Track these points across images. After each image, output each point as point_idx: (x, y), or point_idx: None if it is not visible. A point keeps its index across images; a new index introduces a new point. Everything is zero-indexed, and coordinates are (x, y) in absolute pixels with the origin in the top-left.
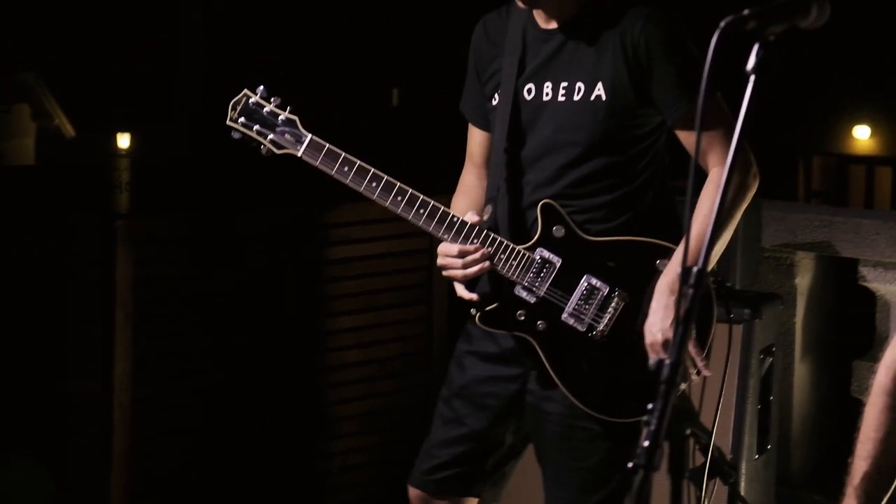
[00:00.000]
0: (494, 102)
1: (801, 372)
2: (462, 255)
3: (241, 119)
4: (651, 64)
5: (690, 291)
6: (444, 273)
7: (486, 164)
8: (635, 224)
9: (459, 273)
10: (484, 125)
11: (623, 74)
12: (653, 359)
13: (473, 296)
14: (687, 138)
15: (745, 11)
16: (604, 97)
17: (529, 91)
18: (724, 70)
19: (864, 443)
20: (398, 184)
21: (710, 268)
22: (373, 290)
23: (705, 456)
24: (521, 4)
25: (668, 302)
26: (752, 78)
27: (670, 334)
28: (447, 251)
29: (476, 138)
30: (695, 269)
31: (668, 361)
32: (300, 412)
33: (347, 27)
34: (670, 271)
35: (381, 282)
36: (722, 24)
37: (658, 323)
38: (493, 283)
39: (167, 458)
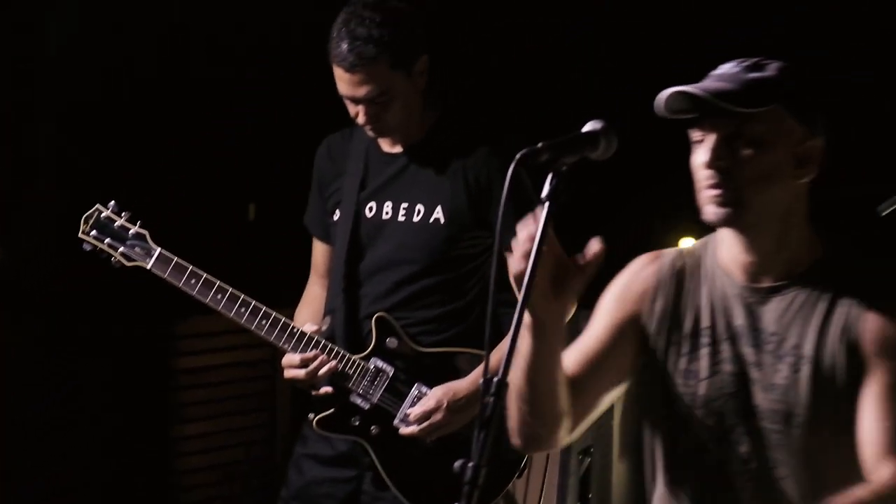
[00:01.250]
0: (336, 217)
1: (619, 470)
2: (304, 363)
3: (93, 232)
4: (491, 193)
5: (491, 400)
6: (296, 383)
7: (329, 275)
8: (464, 336)
9: (305, 382)
10: (326, 238)
11: (462, 199)
12: (458, 463)
13: (328, 389)
14: None
15: (540, 144)
16: (442, 220)
17: (371, 209)
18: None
19: None
20: (242, 296)
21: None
22: (219, 398)
23: None
24: (370, 134)
25: (439, 401)
26: (546, 205)
27: (422, 432)
28: (290, 361)
29: (319, 250)
30: (496, 379)
31: (471, 464)
32: None
33: (205, 143)
34: (470, 378)
35: (227, 390)
36: (518, 155)
37: (418, 414)
38: (329, 391)
39: None
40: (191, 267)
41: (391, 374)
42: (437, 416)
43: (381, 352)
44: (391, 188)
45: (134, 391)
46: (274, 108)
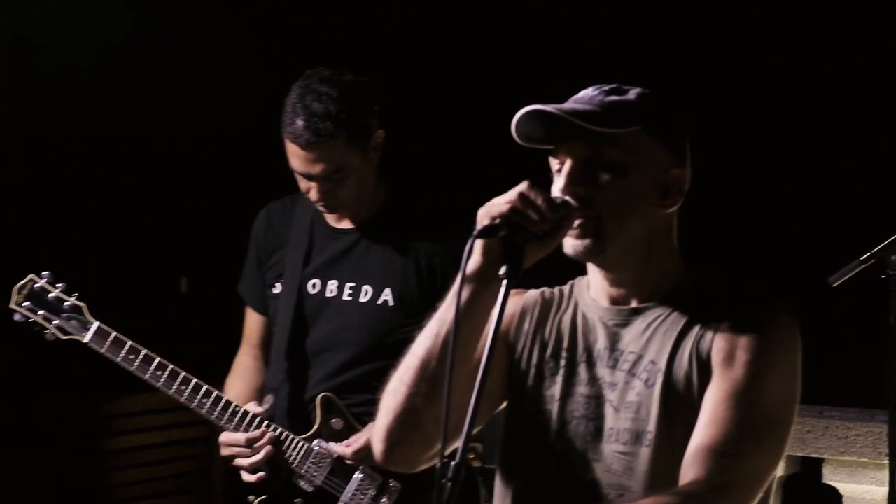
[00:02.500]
0: (276, 291)
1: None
2: (250, 443)
3: (26, 303)
4: (444, 280)
5: (448, 485)
6: (234, 462)
7: (262, 345)
8: None
9: (247, 461)
10: (262, 309)
11: (413, 284)
12: None
13: (262, 474)
14: None
15: (497, 220)
16: (391, 303)
17: (314, 286)
18: None
19: None
20: (182, 373)
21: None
22: (155, 478)
23: None
24: (322, 209)
25: None
26: (505, 283)
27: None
28: (232, 440)
29: (253, 321)
30: (453, 463)
31: None
32: None
33: (137, 215)
34: None
35: (163, 470)
36: (476, 232)
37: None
38: (272, 472)
39: None
40: (129, 342)
41: (335, 457)
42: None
43: (324, 433)
44: (338, 266)
45: (64, 473)
46: (205, 180)
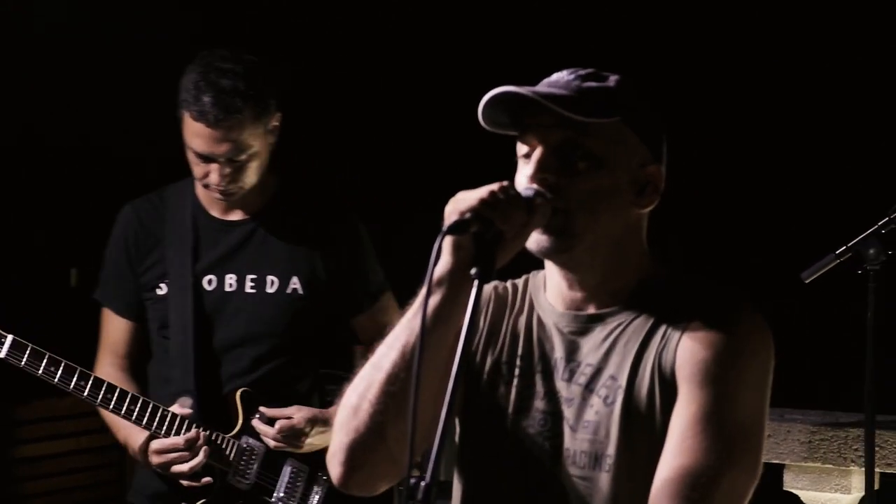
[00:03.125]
0: (161, 292)
1: None
2: (189, 445)
3: None
4: (349, 261)
5: None
6: (172, 469)
7: (128, 355)
8: (322, 406)
9: (188, 466)
10: (132, 315)
11: (319, 270)
12: None
13: (208, 479)
14: (363, 331)
15: (467, 215)
16: (300, 291)
17: (210, 282)
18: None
19: None
20: (106, 381)
21: None
22: (65, 489)
23: None
24: (218, 196)
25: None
26: (476, 283)
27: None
28: (169, 445)
29: (120, 328)
30: (423, 483)
31: None
32: None
33: (25, 208)
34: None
35: (73, 480)
36: (445, 228)
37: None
38: (206, 474)
39: None
40: (48, 354)
41: (264, 451)
42: (302, 433)
43: (250, 428)
44: (235, 259)
45: None
46: (93, 170)
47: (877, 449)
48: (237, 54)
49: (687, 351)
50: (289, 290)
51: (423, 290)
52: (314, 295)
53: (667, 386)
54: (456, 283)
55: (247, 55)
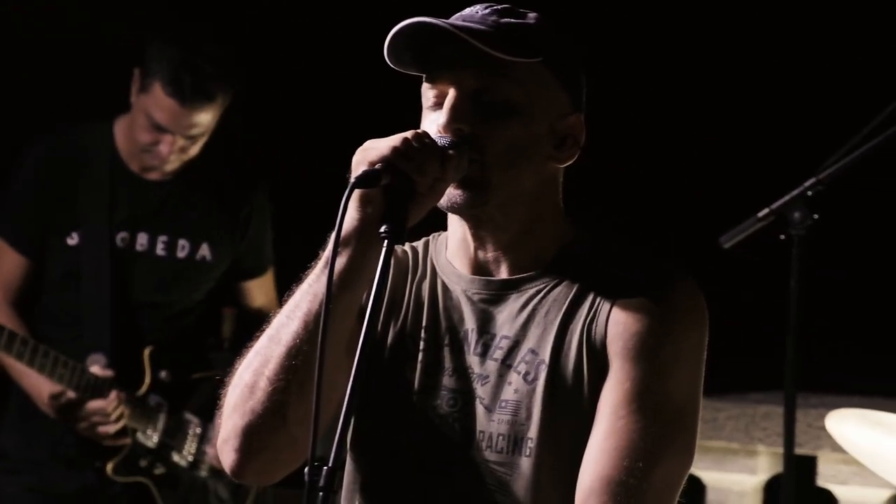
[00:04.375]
0: (72, 242)
1: None
2: (113, 407)
3: None
4: (255, 229)
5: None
6: (99, 430)
7: (20, 294)
8: (215, 363)
9: (112, 429)
10: (33, 255)
11: (228, 238)
12: None
13: (128, 440)
14: (248, 296)
15: (378, 165)
16: (208, 258)
17: (123, 240)
18: None
19: None
20: (20, 334)
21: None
22: None
23: None
24: (154, 163)
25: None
26: (386, 242)
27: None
28: (93, 409)
29: (16, 264)
30: (325, 468)
31: None
32: None
33: None
34: None
35: None
36: (353, 179)
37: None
38: (121, 433)
39: None
40: None
41: (167, 408)
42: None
43: (157, 387)
44: (150, 219)
45: None
46: None
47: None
48: (219, 39)
49: (619, 324)
50: (198, 257)
51: (328, 251)
52: (220, 260)
53: (596, 361)
54: (364, 243)
55: (226, 43)
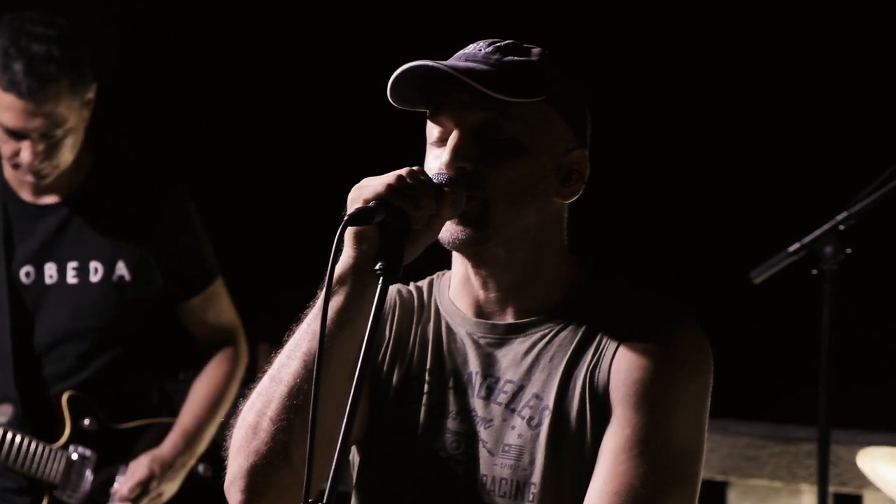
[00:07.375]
0: None
1: None
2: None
3: None
4: (177, 240)
5: None
6: None
7: None
8: (162, 405)
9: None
10: None
11: (146, 253)
12: None
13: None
14: (193, 318)
15: (372, 203)
16: (127, 277)
17: (28, 274)
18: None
19: None
20: None
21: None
22: None
23: None
24: (30, 178)
25: (152, 471)
26: (381, 280)
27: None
28: None
29: None
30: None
31: None
32: None
33: None
34: (170, 441)
35: None
36: (346, 217)
37: (133, 486)
38: (32, 491)
39: None
40: None
41: (96, 460)
42: (153, 485)
43: (79, 436)
44: (53, 247)
45: None
46: None
47: (830, 466)
48: (49, 17)
49: (622, 371)
50: (115, 278)
51: (324, 290)
52: (142, 280)
53: (599, 407)
54: (360, 280)
55: (60, 18)
